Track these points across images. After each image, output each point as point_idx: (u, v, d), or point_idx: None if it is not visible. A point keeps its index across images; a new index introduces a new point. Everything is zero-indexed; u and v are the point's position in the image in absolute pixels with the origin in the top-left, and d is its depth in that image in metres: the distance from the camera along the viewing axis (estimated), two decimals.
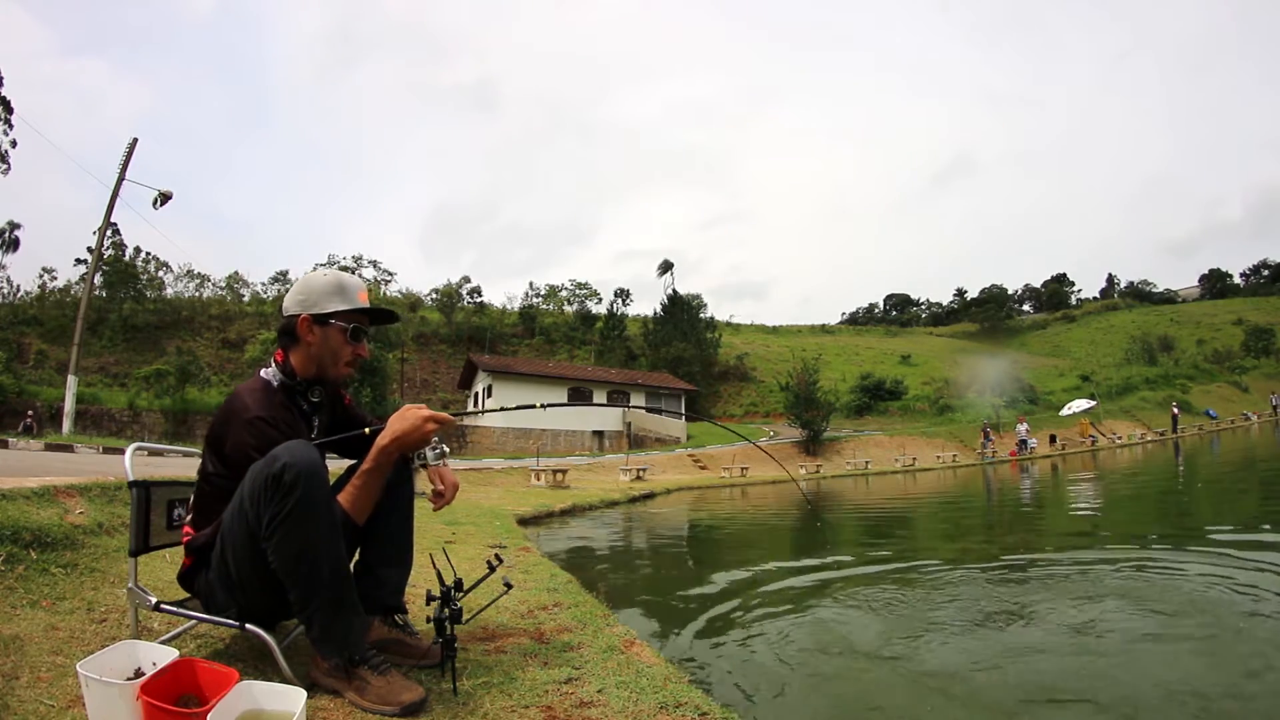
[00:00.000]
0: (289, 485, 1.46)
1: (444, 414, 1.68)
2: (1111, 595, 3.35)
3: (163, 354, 35.10)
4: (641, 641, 2.30)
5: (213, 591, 1.62)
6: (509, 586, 1.92)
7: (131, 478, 1.76)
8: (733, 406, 43.05)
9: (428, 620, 1.74)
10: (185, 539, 1.69)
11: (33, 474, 3.96)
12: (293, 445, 1.52)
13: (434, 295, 51.65)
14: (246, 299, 47.48)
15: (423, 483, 1.91)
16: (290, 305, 1.74)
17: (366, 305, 1.79)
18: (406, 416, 1.64)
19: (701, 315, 48.31)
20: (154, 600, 1.67)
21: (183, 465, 7.22)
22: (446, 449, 1.80)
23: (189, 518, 1.72)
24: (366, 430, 1.75)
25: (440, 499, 1.82)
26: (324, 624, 1.54)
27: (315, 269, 2.01)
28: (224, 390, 27.68)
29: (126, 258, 39.15)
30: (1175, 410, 27.54)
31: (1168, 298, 74.35)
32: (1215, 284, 74.96)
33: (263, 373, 1.75)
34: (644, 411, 32.21)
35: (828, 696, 2.31)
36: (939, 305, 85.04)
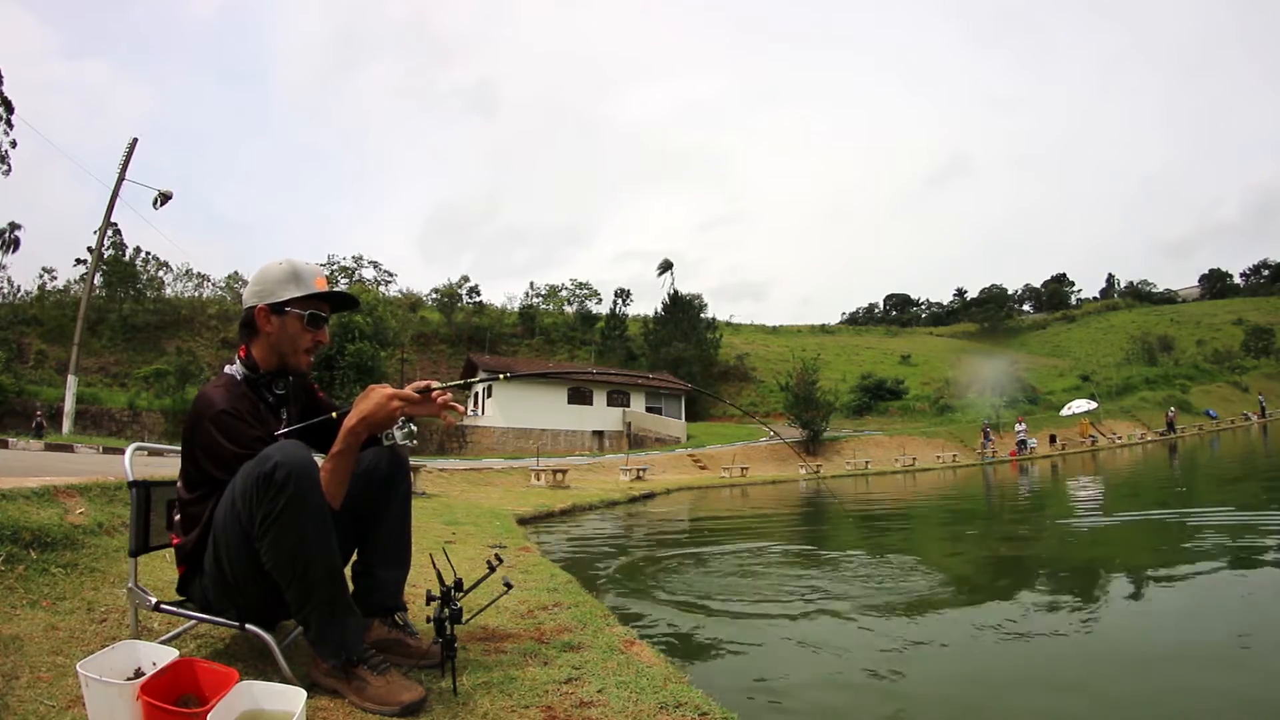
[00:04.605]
0: (280, 484, 1.46)
1: (408, 391, 1.65)
2: None
3: (162, 354, 35.10)
4: (641, 641, 2.30)
5: (209, 594, 1.62)
6: (509, 586, 1.92)
7: (131, 478, 1.76)
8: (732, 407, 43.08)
9: (428, 620, 1.73)
10: (174, 544, 1.69)
11: (33, 474, 3.96)
12: (284, 444, 1.52)
13: (434, 295, 51.64)
14: None
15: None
16: (248, 297, 1.74)
17: (323, 290, 1.77)
18: (371, 396, 1.62)
19: (702, 315, 48.29)
20: (154, 600, 1.67)
21: None
22: (415, 428, 1.75)
23: (175, 524, 1.71)
24: (334, 414, 1.73)
25: (452, 411, 1.72)
26: (320, 624, 1.54)
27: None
28: None
29: (126, 258, 39.13)
30: (1170, 415, 27.36)
31: (1168, 298, 74.30)
32: (1215, 284, 74.96)
33: (227, 369, 1.75)
34: (644, 412, 32.21)
35: (829, 695, 2.31)
36: (939, 305, 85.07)
